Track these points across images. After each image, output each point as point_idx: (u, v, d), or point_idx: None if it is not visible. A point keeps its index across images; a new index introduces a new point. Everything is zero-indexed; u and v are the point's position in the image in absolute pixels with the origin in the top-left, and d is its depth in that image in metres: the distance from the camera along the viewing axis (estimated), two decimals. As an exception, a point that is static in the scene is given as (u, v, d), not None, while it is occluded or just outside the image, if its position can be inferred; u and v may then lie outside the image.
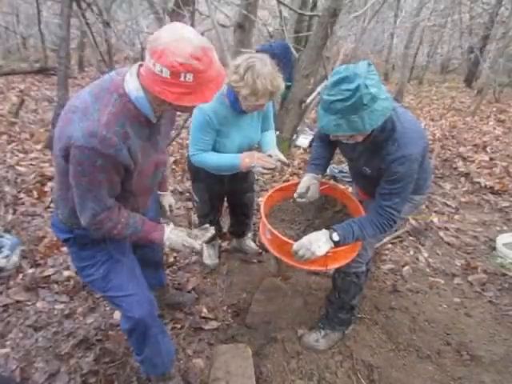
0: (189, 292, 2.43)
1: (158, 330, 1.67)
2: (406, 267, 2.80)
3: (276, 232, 1.58)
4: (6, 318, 2.22)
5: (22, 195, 3.43)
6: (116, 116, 1.19)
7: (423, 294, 2.49)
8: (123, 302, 1.54)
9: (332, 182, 2.75)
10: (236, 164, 1.97)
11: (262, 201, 1.76)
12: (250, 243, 2.83)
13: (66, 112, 1.23)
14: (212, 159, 2.01)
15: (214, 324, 2.22)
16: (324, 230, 1.56)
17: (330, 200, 1.96)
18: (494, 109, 8.54)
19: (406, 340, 2.07)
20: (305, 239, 1.53)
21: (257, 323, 2.17)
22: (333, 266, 1.63)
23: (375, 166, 1.61)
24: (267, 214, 1.81)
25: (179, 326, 2.19)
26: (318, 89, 4.61)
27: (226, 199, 2.57)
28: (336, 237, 1.53)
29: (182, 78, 1.10)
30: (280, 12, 5.60)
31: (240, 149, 2.07)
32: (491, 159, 5.24)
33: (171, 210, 1.94)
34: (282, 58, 4.58)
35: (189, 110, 1.40)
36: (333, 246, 1.54)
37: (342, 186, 2.13)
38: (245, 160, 1.94)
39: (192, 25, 4.61)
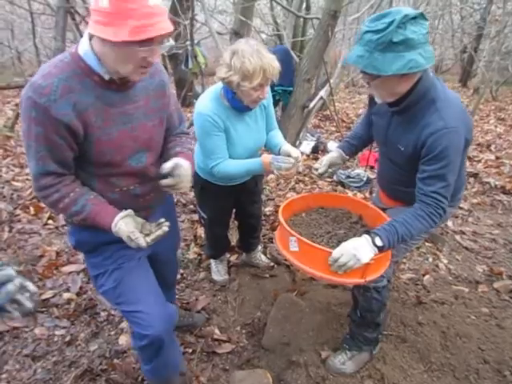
0: (198, 312, 2.26)
1: (171, 344, 1.56)
2: (427, 276, 2.64)
3: (308, 241, 1.41)
4: (1, 348, 2.04)
5: (18, 211, 3.28)
6: (60, 69, 1.14)
7: (449, 305, 2.33)
8: (137, 318, 1.41)
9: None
10: (260, 168, 1.79)
11: (280, 211, 1.60)
12: (260, 256, 2.67)
13: None
14: (237, 167, 1.84)
15: (227, 347, 2.05)
16: (365, 235, 1.39)
17: (344, 212, 1.81)
18: (493, 107, 8.47)
19: (439, 359, 1.90)
20: (347, 245, 1.35)
21: (274, 345, 2.00)
22: (371, 278, 1.45)
23: (411, 142, 1.45)
24: (283, 228, 1.64)
25: (190, 350, 2.02)
26: (321, 93, 4.49)
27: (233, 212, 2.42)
28: (379, 241, 1.36)
29: (100, 3, 1.05)
30: (273, 17, 5.52)
31: (249, 152, 1.92)
32: (497, 158, 5.14)
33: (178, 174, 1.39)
34: (283, 62, 4.48)
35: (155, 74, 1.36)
36: (377, 252, 1.37)
37: (355, 197, 1.99)
38: (265, 161, 1.77)
39: (191, 32, 4.51)
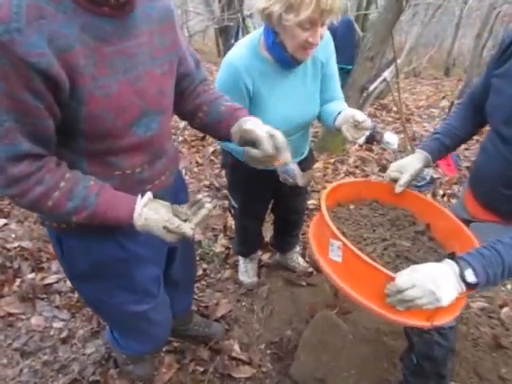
0: (217, 321, 1.88)
1: None
2: (505, 309, 2.08)
3: (363, 255, 0.91)
4: (-8, 336, 1.79)
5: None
6: None
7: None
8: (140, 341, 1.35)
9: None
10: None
11: (322, 197, 1.11)
12: (297, 258, 2.24)
13: None
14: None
15: (247, 371, 1.66)
16: (449, 262, 0.90)
17: (407, 215, 1.28)
18: None
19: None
20: (423, 272, 0.87)
21: (305, 378, 1.58)
22: (440, 323, 0.98)
23: None
24: (323, 223, 1.09)
25: (202, 369, 1.65)
26: (385, 74, 3.90)
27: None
28: (471, 276, 0.86)
29: None
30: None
31: (289, 125, 1.43)
32: None
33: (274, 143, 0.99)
34: (344, 36, 3.91)
35: None
36: (464, 290, 0.89)
37: (427, 197, 1.46)
38: None
39: (241, 2, 4.12)
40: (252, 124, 0.98)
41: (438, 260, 1.03)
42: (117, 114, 0.86)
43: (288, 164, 1.34)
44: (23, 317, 1.88)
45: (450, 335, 1.28)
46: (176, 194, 1.20)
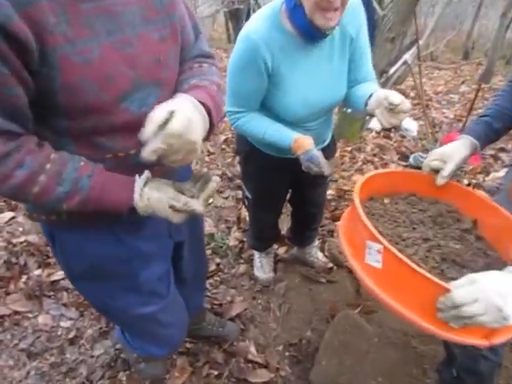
0: (232, 320, 1.77)
1: None
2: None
3: (408, 260, 0.76)
4: (-2, 335, 1.71)
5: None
6: None
7: None
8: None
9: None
10: (286, 147, 1.26)
11: (356, 189, 0.96)
12: (316, 253, 2.11)
13: None
14: (258, 129, 1.29)
15: (264, 375, 1.55)
16: None
17: (451, 210, 1.11)
18: None
19: None
20: (486, 284, 0.71)
21: (327, 383, 1.47)
22: (499, 341, 0.84)
23: None
24: (357, 220, 0.91)
25: (216, 372, 1.55)
26: (406, 56, 3.69)
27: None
28: None
29: None
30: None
31: (311, 109, 1.29)
32: None
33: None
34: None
35: None
36: None
37: (473, 190, 1.29)
38: (295, 147, 1.23)
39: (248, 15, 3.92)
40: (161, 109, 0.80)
41: (489, 264, 0.89)
42: (101, 86, 0.73)
43: (312, 151, 1.21)
44: (30, 315, 1.80)
45: (500, 349, 1.14)
46: (181, 178, 1.08)
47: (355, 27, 1.23)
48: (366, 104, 1.18)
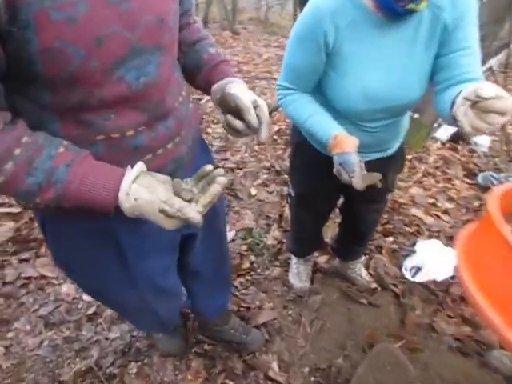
0: (257, 327, 1.62)
1: None
2: None
3: None
4: (21, 297, 1.68)
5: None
6: None
7: None
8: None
9: None
10: (324, 141, 1.06)
11: (491, 204, 0.72)
12: (360, 270, 1.90)
13: None
14: (301, 115, 1.11)
15: (284, 398, 1.39)
16: None
17: None
18: None
19: None
20: None
21: (355, 425, 1.28)
22: None
23: None
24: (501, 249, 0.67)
25: (231, 384, 1.42)
26: (491, 62, 3.28)
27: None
28: None
29: None
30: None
31: (368, 105, 1.05)
32: None
33: (257, 115, 0.76)
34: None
35: None
36: None
37: None
38: (336, 140, 1.02)
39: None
40: (237, 88, 0.79)
41: None
42: (89, 50, 0.58)
43: (349, 155, 1.00)
44: (55, 282, 1.76)
45: None
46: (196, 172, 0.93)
47: (455, 13, 0.96)
48: (453, 104, 0.84)
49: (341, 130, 1.05)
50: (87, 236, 0.80)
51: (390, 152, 1.28)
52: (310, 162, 1.34)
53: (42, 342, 1.51)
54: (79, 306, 1.66)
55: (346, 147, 1.00)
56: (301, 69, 1.07)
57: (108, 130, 0.68)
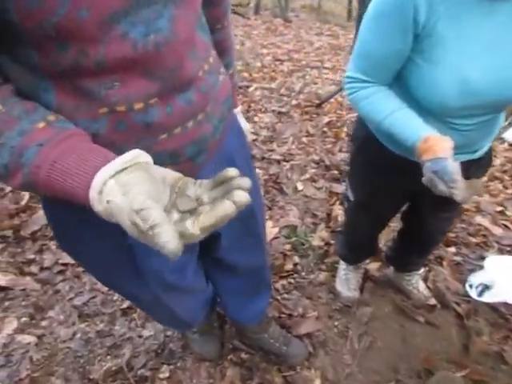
0: (299, 338, 1.48)
1: None
2: None
3: None
4: (57, 284, 1.65)
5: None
6: None
7: None
8: None
9: None
10: (410, 144, 0.88)
11: None
12: (417, 282, 1.69)
13: None
14: (381, 109, 0.92)
15: (326, 424, 1.25)
16: None
17: None
18: None
19: None
20: None
21: None
22: None
23: None
24: None
25: (268, 401, 1.29)
26: None
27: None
28: None
29: None
30: None
31: (465, 100, 0.85)
32: None
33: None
34: None
35: None
36: None
37: None
38: (428, 143, 0.83)
39: None
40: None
41: None
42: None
43: (445, 161, 0.81)
44: (92, 270, 1.71)
45: None
46: (228, 160, 0.76)
47: None
48: None
49: (432, 131, 0.86)
50: (92, 227, 0.65)
51: (478, 154, 1.06)
52: (376, 160, 1.15)
53: (74, 334, 1.45)
54: (114, 298, 1.60)
55: (439, 151, 0.81)
56: (379, 55, 0.89)
57: (112, 101, 0.53)
